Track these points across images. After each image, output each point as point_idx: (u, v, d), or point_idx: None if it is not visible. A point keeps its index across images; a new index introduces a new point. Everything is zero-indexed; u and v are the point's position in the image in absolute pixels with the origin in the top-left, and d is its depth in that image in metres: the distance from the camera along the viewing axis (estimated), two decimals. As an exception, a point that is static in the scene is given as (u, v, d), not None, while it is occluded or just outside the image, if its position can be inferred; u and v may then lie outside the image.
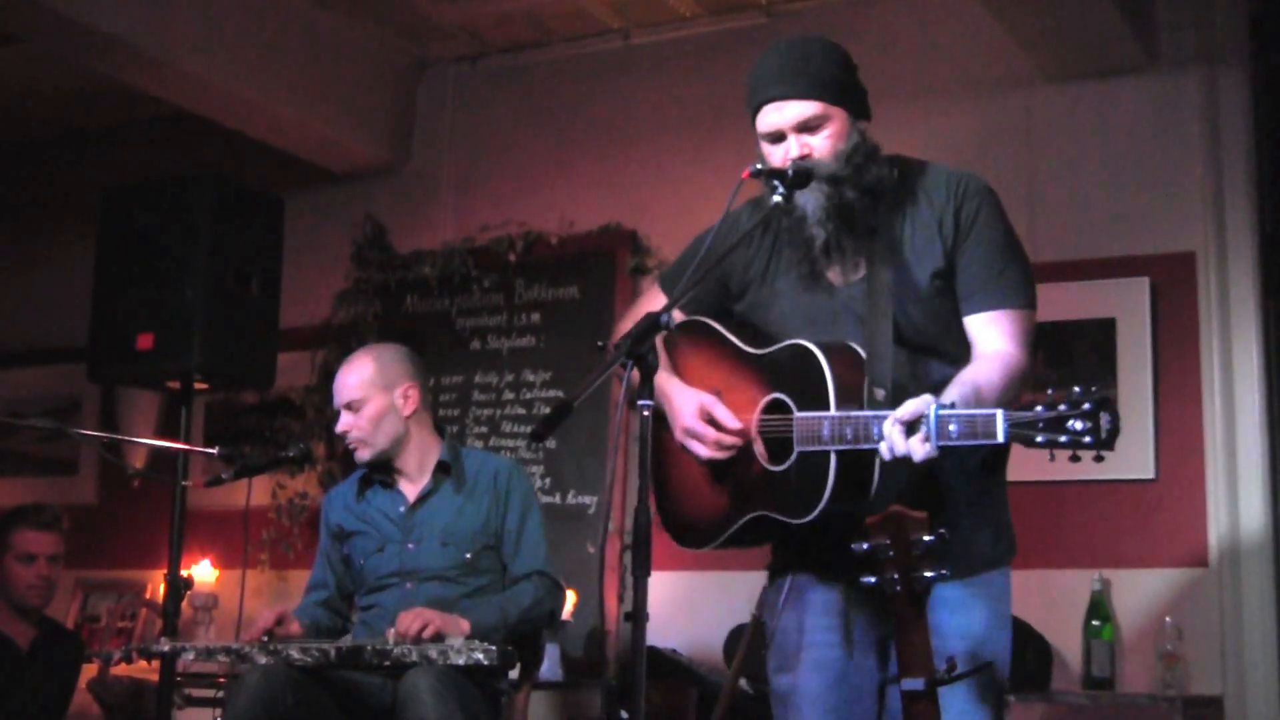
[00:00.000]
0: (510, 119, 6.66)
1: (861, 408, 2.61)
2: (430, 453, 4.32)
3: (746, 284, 3.02)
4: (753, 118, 2.89)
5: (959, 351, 2.82)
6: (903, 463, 2.54)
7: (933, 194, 2.87)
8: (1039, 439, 2.38)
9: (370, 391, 4.22)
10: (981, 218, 2.84)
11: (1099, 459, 2.40)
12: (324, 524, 4.42)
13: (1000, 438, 2.41)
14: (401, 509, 4.27)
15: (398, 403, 4.25)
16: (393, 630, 3.82)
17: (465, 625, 3.91)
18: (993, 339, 2.79)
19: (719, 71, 6.01)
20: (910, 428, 2.49)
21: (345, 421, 4.26)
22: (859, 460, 2.59)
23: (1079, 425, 2.35)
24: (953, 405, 2.49)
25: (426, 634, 3.78)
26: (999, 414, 2.42)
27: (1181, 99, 5.37)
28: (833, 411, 2.63)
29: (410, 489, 4.30)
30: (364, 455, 4.27)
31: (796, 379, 2.73)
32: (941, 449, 2.47)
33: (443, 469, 4.29)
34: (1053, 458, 2.39)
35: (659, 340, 3.03)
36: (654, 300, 3.07)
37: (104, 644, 6.47)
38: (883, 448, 2.53)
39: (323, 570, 4.39)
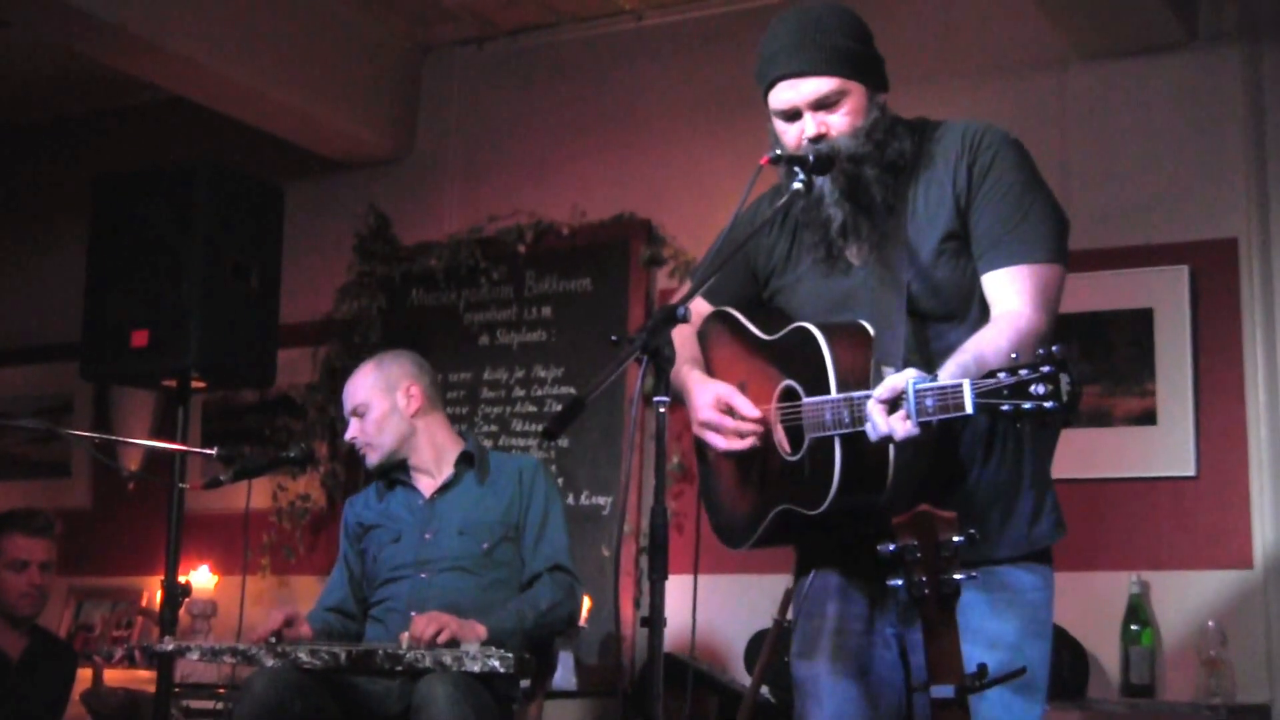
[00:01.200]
0: (519, 104, 6.66)
1: (869, 387, 2.59)
2: (447, 448, 4.46)
3: (771, 270, 3.03)
4: (765, 93, 2.87)
5: (982, 314, 2.79)
6: (921, 450, 2.54)
7: (948, 151, 2.84)
8: (1005, 407, 2.37)
9: (372, 395, 4.42)
10: (996, 169, 2.79)
11: (1066, 424, 2.41)
12: (343, 529, 4.54)
13: (969, 409, 2.40)
14: (421, 501, 4.41)
15: (400, 402, 4.41)
16: (406, 634, 3.85)
17: (481, 630, 3.95)
18: (1006, 298, 2.74)
19: (736, 53, 6.00)
20: (892, 405, 2.49)
21: (352, 428, 4.46)
22: (870, 447, 2.58)
23: (1041, 389, 2.35)
24: (934, 379, 2.48)
25: (441, 639, 3.82)
26: (966, 384, 2.41)
27: (1223, 77, 5.35)
28: (833, 395, 2.63)
29: (429, 484, 4.43)
30: (373, 458, 4.44)
31: (803, 364, 2.73)
32: (926, 425, 2.47)
33: (466, 460, 4.42)
34: (1019, 427, 2.39)
35: (693, 335, 3.06)
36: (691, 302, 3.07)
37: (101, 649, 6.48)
38: (868, 428, 2.53)
39: (340, 575, 4.49)
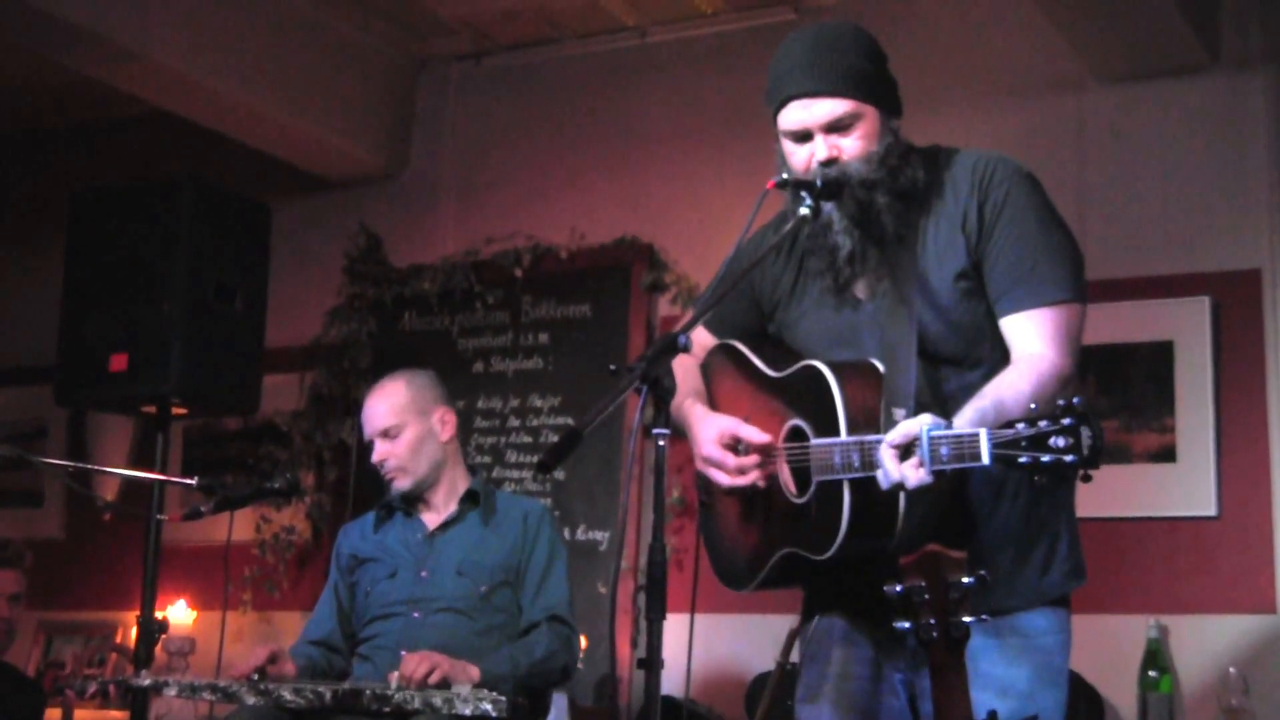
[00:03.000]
0: (517, 122, 6.69)
1: (880, 430, 2.61)
2: (458, 483, 4.45)
3: (776, 302, 3.05)
4: (774, 113, 2.89)
5: (996, 356, 2.81)
6: (926, 494, 2.56)
7: (958, 185, 2.86)
8: (1022, 459, 2.39)
9: (406, 417, 4.37)
10: (1009, 208, 2.81)
11: (1086, 479, 2.42)
12: (335, 558, 4.53)
13: (985, 459, 2.43)
14: (420, 536, 4.39)
15: (435, 428, 4.40)
16: (396, 673, 3.85)
17: (475, 672, 3.96)
18: (1027, 342, 2.76)
19: (743, 72, 6.03)
20: (905, 452, 2.51)
21: (381, 449, 4.38)
22: (880, 493, 2.59)
23: (1060, 442, 2.37)
24: (949, 425, 2.50)
25: (433, 679, 3.83)
26: (983, 434, 2.43)
27: (1246, 101, 5.38)
28: (843, 436, 2.65)
29: (433, 518, 4.42)
30: (404, 484, 4.39)
31: (812, 403, 2.75)
32: (939, 473, 2.49)
33: (471, 498, 4.41)
34: (1036, 480, 2.40)
35: (696, 367, 3.08)
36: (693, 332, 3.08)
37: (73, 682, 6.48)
38: (879, 475, 2.55)
39: (328, 607, 4.47)
